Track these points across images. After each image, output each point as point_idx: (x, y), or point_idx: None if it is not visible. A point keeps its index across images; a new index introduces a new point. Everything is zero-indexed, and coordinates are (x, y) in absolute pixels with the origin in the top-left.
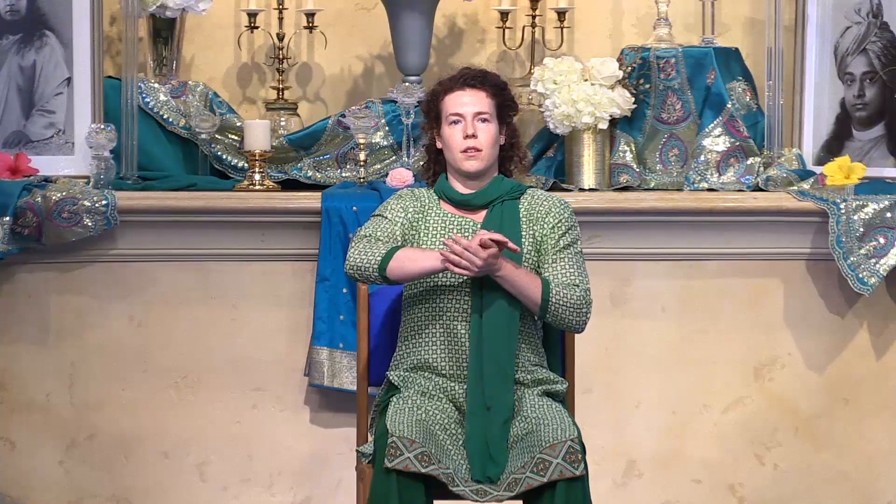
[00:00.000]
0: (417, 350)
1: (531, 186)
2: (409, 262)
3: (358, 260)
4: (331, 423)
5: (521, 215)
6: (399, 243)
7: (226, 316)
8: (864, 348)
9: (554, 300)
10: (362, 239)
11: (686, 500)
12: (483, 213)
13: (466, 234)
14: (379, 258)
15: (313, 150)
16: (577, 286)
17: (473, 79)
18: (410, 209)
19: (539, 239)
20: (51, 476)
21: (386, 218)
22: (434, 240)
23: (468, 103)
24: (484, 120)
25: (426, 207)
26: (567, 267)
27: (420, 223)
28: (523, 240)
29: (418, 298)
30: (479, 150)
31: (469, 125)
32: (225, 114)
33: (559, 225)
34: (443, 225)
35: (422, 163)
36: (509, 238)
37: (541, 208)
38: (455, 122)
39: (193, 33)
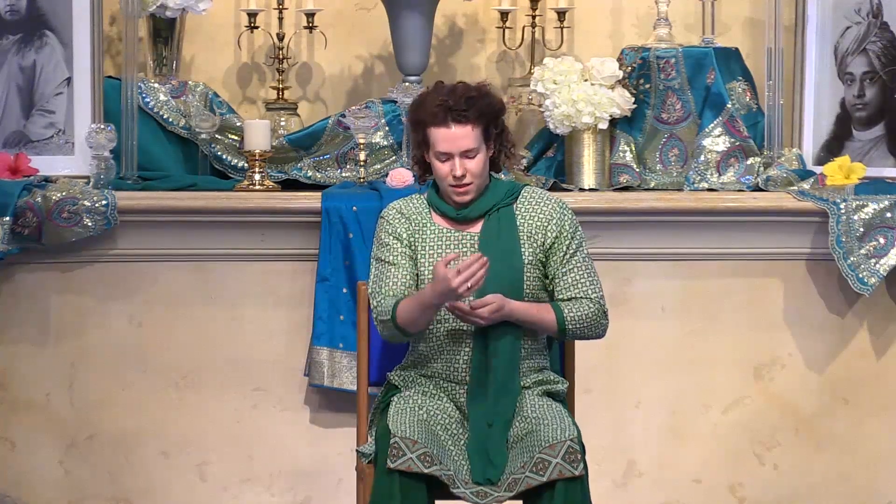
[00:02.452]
0: (418, 354)
1: (525, 185)
2: (414, 322)
3: (384, 334)
4: (331, 423)
5: (517, 223)
6: (404, 294)
7: (226, 316)
8: (864, 348)
9: (570, 326)
10: (376, 309)
11: (686, 500)
12: (479, 223)
13: (465, 249)
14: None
15: (313, 150)
16: (591, 298)
17: (459, 114)
18: (404, 234)
19: (542, 248)
20: (51, 476)
21: (387, 262)
22: (433, 257)
23: (455, 141)
24: (472, 155)
25: (420, 224)
26: (577, 278)
27: (417, 242)
28: (523, 248)
29: None
30: (468, 185)
31: (457, 166)
32: (225, 114)
33: (563, 234)
34: (440, 242)
35: (414, 166)
36: (508, 249)
37: (540, 215)
38: (443, 160)
39: (193, 33)
